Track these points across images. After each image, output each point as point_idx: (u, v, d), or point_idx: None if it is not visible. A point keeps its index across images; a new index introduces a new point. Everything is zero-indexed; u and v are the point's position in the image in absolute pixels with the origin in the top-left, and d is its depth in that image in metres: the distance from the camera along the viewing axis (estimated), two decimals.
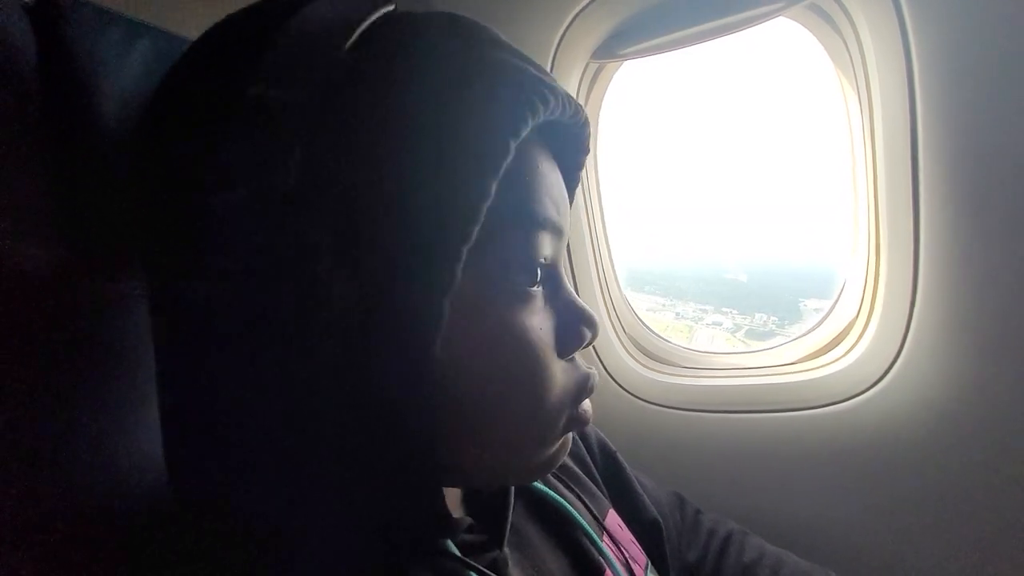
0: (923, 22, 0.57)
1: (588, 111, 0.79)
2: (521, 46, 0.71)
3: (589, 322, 0.33)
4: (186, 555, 0.30)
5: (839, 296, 0.77)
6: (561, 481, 0.45)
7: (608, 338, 0.82)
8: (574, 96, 0.71)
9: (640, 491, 0.54)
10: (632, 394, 0.82)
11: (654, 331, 0.87)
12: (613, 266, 0.87)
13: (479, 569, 0.30)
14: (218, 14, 0.33)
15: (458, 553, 0.30)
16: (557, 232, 0.32)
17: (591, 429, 0.56)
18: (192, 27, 0.37)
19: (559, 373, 0.31)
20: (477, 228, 0.25)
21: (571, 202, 0.38)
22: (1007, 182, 0.56)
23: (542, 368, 0.30)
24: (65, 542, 0.32)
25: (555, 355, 0.31)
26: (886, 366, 0.67)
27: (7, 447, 0.30)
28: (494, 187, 0.26)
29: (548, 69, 0.70)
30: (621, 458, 0.55)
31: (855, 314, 0.73)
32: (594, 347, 0.80)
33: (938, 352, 0.64)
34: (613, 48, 0.71)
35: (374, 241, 0.25)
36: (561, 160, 0.35)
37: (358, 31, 0.28)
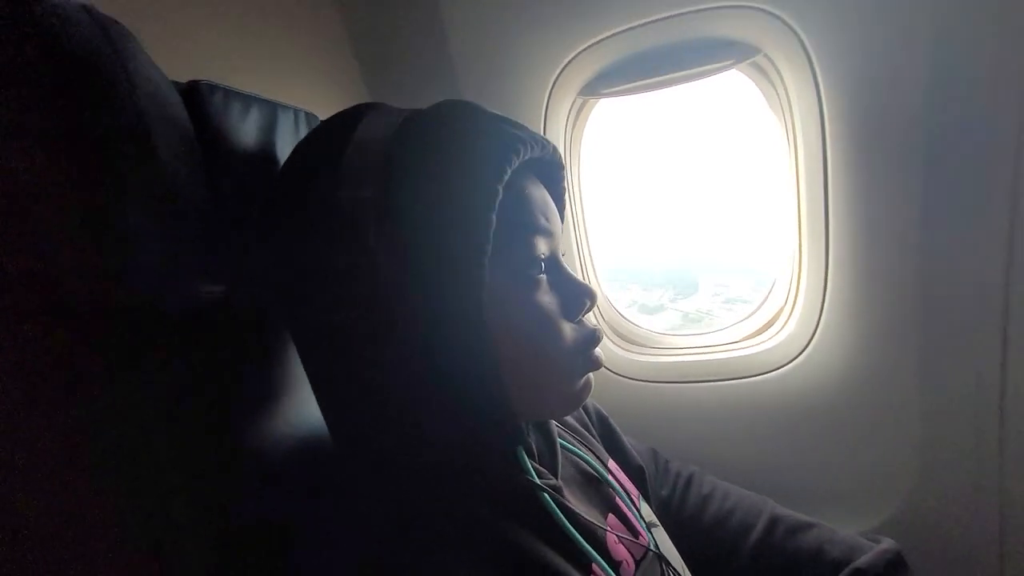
0: (830, 79, 0.74)
1: (573, 136, 0.93)
2: (524, 85, 0.86)
3: (586, 292, 0.45)
4: (344, 481, 0.45)
5: (771, 289, 0.96)
6: (577, 440, 0.59)
7: None
8: (563, 123, 0.86)
9: (628, 445, 0.69)
10: (611, 370, 0.97)
11: (628, 318, 1.03)
12: (595, 266, 1.01)
13: (546, 488, 0.43)
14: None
15: (536, 479, 0.43)
16: (547, 233, 0.44)
17: (589, 402, 0.71)
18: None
19: (568, 330, 0.43)
20: (490, 244, 0.37)
21: (563, 207, 0.51)
22: (887, 212, 0.75)
23: (552, 327, 0.42)
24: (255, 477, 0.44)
25: (563, 319, 0.44)
26: (805, 342, 0.86)
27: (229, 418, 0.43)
28: (494, 217, 0.37)
29: (544, 103, 0.84)
30: (612, 421, 0.70)
31: (783, 304, 0.92)
32: None
33: (842, 332, 0.83)
34: (596, 88, 0.85)
35: (432, 266, 0.37)
36: (548, 179, 0.48)
37: (395, 135, 0.41)
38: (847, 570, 0.57)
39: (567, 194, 0.52)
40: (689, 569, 0.57)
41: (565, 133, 0.90)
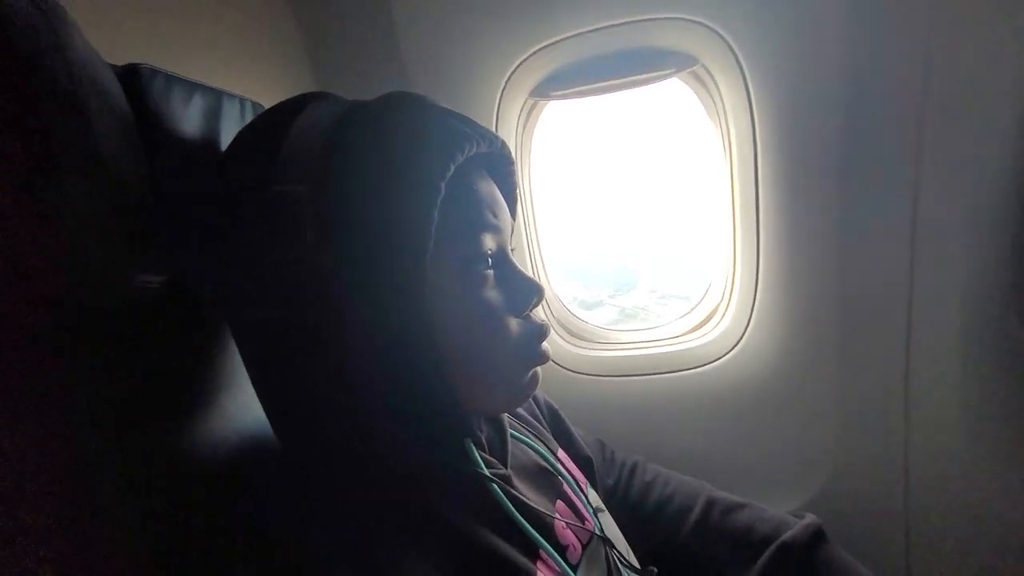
0: (760, 90, 0.79)
1: (524, 135, 0.95)
2: (477, 86, 0.87)
3: (534, 288, 0.45)
4: (291, 479, 0.44)
5: (709, 287, 1.01)
6: (528, 430, 0.61)
7: None
8: (515, 123, 0.87)
9: (577, 437, 0.71)
10: (560, 365, 1.00)
11: (576, 315, 1.06)
12: (544, 262, 1.03)
13: (494, 479, 0.43)
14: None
15: (484, 469, 0.43)
16: (495, 229, 0.43)
17: (539, 393, 0.72)
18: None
19: (514, 325, 0.44)
20: (431, 241, 0.37)
21: (513, 202, 0.51)
22: (810, 217, 0.82)
23: (497, 322, 0.43)
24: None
25: (509, 314, 0.43)
26: (738, 337, 0.92)
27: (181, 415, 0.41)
28: (436, 214, 0.37)
29: (496, 103, 0.85)
30: (562, 413, 0.72)
31: (718, 302, 0.97)
32: None
33: (770, 327, 0.90)
34: (547, 90, 0.87)
35: (372, 262, 0.36)
36: (498, 174, 0.48)
37: (337, 125, 0.40)
38: (774, 544, 0.62)
39: (518, 190, 0.53)
40: (634, 551, 0.59)
41: (516, 132, 0.92)
